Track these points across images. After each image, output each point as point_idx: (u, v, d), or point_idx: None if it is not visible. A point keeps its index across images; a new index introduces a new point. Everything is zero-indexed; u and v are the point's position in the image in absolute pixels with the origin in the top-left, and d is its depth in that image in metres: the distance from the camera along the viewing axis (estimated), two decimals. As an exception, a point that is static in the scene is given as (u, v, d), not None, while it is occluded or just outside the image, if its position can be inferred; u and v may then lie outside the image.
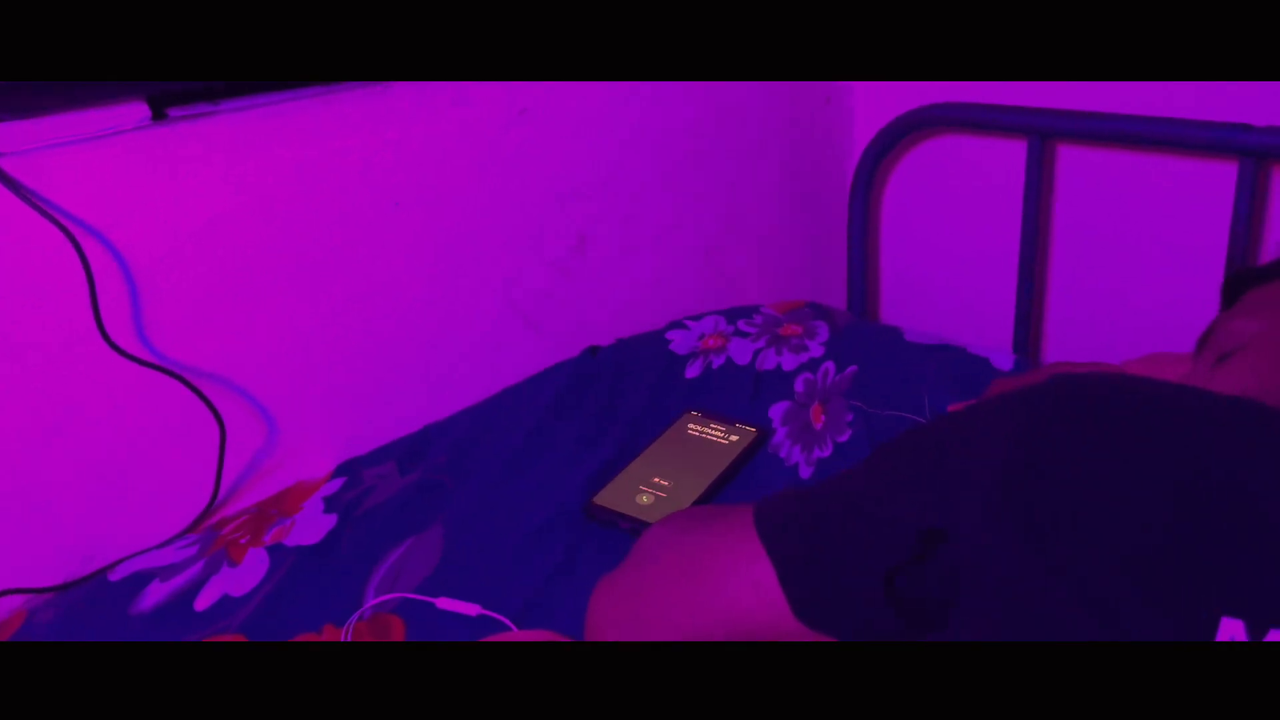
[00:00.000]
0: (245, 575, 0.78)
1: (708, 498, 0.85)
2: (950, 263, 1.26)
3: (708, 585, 0.54)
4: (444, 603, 0.75)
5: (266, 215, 0.84)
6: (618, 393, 1.01)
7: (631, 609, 0.58)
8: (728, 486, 0.87)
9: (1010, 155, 1.13)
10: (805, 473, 0.87)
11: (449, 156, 0.94)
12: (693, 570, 0.55)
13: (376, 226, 0.90)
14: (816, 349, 1.06)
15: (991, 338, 1.21)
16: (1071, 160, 1.10)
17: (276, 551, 0.81)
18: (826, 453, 0.89)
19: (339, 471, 0.91)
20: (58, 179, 0.73)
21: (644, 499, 0.84)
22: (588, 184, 1.05)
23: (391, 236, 0.92)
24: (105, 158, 0.75)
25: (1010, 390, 0.52)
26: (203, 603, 0.76)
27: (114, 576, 0.79)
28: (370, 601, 0.75)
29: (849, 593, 0.49)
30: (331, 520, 0.84)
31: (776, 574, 0.51)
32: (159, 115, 0.77)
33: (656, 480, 0.87)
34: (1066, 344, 1.16)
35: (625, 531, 0.82)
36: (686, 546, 0.57)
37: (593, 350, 1.08)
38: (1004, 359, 1.02)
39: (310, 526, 0.83)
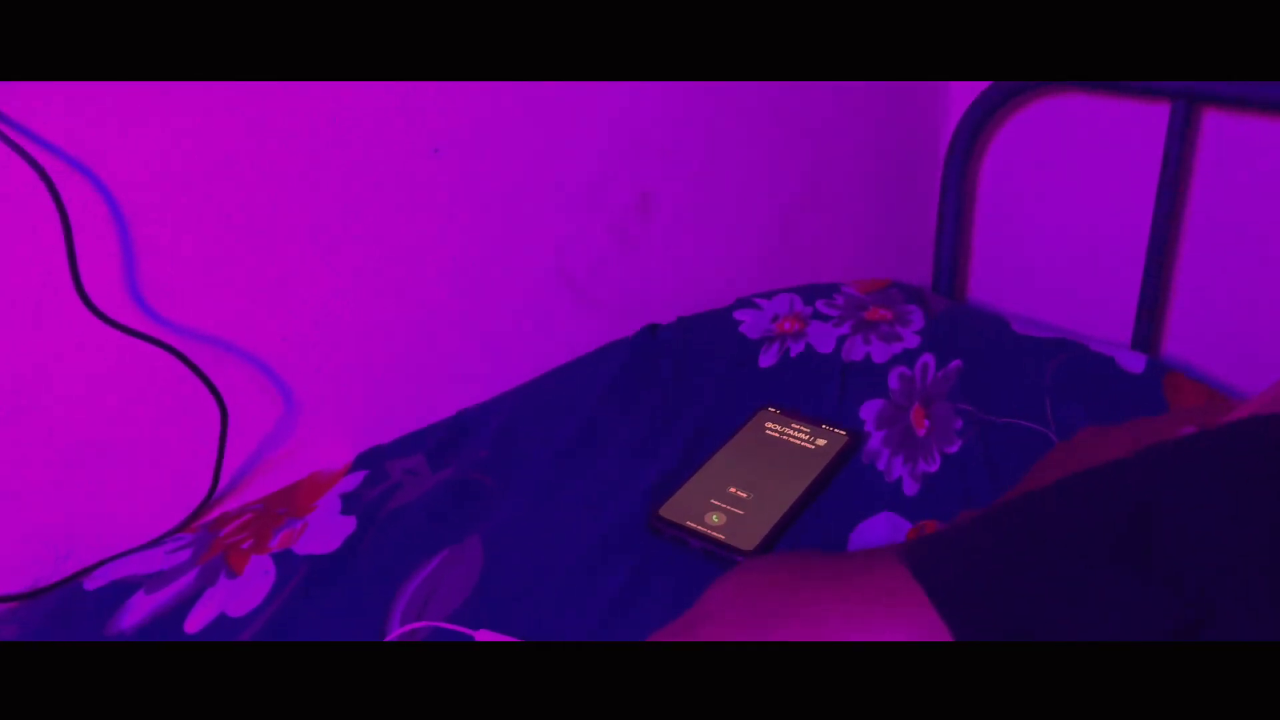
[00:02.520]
0: (247, 589, 0.66)
1: (794, 515, 0.72)
2: (1055, 242, 1.11)
3: None
4: (485, 636, 0.62)
5: (282, 158, 0.70)
6: (681, 381, 0.87)
7: None
8: (816, 502, 0.74)
9: (1143, 121, 0.98)
10: (910, 489, 0.74)
11: (500, 94, 0.79)
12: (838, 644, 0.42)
13: (412, 176, 0.76)
14: (911, 338, 0.92)
15: (1100, 329, 1.07)
16: (1218, 130, 0.94)
17: (284, 560, 0.68)
18: (934, 467, 0.76)
19: (360, 463, 0.78)
20: (30, 104, 0.59)
21: (716, 516, 0.71)
22: (656, 134, 0.90)
23: (428, 188, 0.77)
24: (90, 81, 0.61)
25: (1206, 433, 0.39)
26: (195, 623, 0.63)
27: (91, 584, 0.66)
28: (395, 630, 0.63)
29: None
30: (350, 524, 0.71)
31: None
32: (155, 29, 0.63)
33: (732, 491, 0.73)
34: (1191, 343, 1.02)
35: (697, 551, 0.69)
36: (814, 613, 0.43)
37: (652, 329, 0.94)
38: (1131, 359, 0.88)
39: (325, 530, 0.71)
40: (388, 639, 0.62)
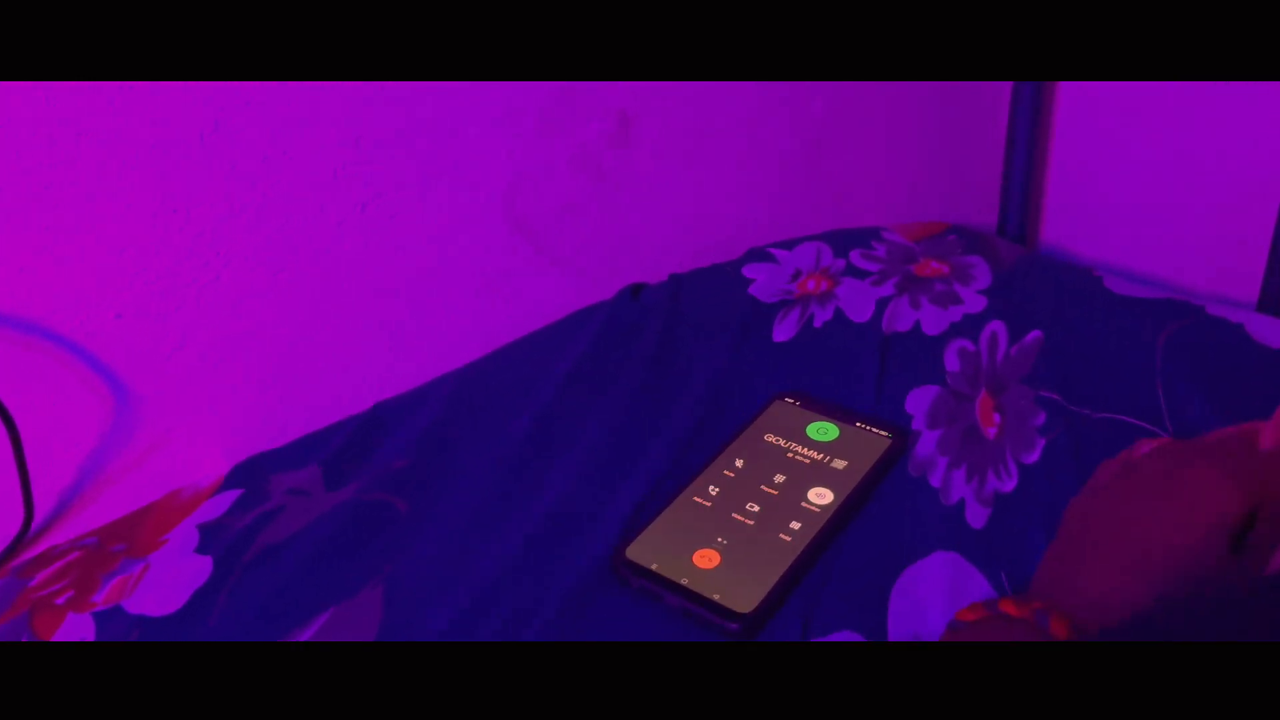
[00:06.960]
0: (47, 668, 0.48)
1: (814, 556, 0.52)
2: (1154, 170, 0.88)
3: None
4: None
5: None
6: (671, 360, 0.67)
7: None
8: (845, 534, 0.54)
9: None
10: (976, 518, 0.53)
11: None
12: None
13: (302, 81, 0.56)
14: (975, 300, 0.70)
15: (1210, 283, 0.85)
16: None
17: (109, 621, 0.50)
18: (1009, 485, 0.55)
19: (234, 479, 0.59)
20: None
21: (707, 558, 0.51)
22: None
23: (326, 98, 0.57)
24: None
25: None
26: (-36, 722, 0.45)
27: None
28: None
29: None
30: (205, 567, 0.53)
31: None
32: None
33: (735, 518, 0.54)
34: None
35: (675, 610, 0.50)
36: None
37: (634, 290, 0.74)
38: (1268, 328, 0.66)
39: (169, 578, 0.52)
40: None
